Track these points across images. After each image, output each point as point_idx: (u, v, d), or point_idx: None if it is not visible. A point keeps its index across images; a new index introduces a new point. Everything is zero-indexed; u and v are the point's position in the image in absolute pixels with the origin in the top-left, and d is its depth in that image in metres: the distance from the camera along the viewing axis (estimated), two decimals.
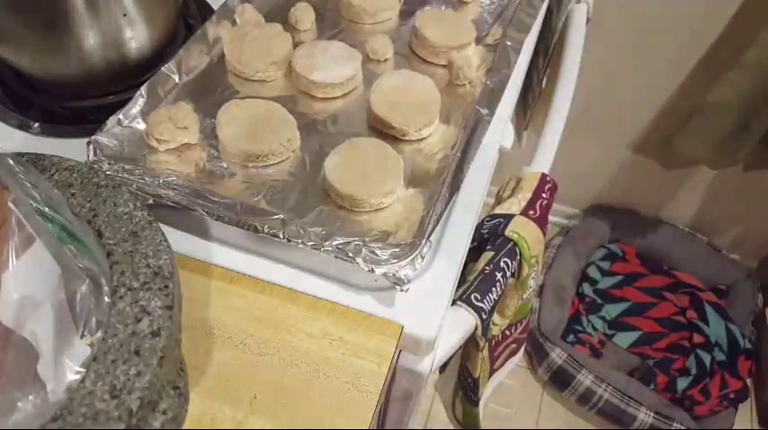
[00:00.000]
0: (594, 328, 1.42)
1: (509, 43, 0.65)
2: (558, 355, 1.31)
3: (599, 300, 1.46)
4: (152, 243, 0.38)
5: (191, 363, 0.44)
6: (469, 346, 0.64)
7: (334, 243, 0.47)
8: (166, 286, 0.36)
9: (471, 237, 0.55)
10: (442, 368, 0.75)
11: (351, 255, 0.47)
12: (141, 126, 0.55)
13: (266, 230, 0.48)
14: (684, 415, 1.27)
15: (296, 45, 0.63)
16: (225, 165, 0.54)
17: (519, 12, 0.70)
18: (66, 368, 0.32)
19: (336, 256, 0.47)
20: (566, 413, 1.38)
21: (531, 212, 0.59)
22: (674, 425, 1.25)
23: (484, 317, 0.52)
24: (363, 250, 0.47)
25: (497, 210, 0.60)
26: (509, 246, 0.56)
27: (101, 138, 0.53)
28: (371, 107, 0.57)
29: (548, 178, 0.62)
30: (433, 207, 0.51)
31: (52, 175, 0.41)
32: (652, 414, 1.25)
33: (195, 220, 0.52)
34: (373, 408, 0.43)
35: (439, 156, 0.56)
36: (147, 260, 0.37)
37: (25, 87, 0.62)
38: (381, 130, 0.57)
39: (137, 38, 0.59)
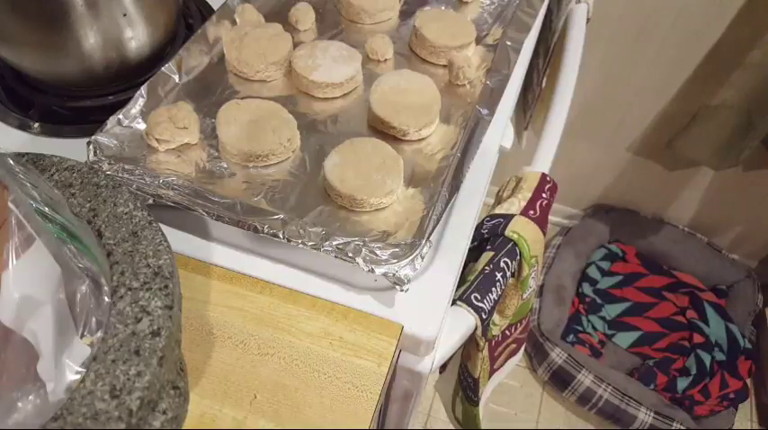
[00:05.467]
0: (594, 328, 1.42)
1: (509, 43, 0.65)
2: (558, 355, 1.31)
3: (599, 300, 1.46)
4: (152, 243, 0.38)
5: (191, 363, 0.44)
6: (469, 346, 0.64)
7: (334, 243, 0.47)
8: (166, 286, 0.36)
9: (471, 237, 0.55)
10: (442, 368, 0.75)
11: (351, 255, 0.47)
12: (141, 126, 0.55)
13: (266, 230, 0.48)
14: (684, 415, 1.27)
15: (296, 45, 0.63)
16: (225, 165, 0.54)
17: (519, 12, 0.70)
18: (66, 368, 0.32)
19: (336, 256, 0.47)
20: (566, 413, 1.38)
21: (531, 212, 0.59)
22: (674, 425, 1.25)
23: (484, 317, 0.52)
24: (363, 250, 0.47)
25: (497, 210, 0.60)
26: (509, 246, 0.56)
27: (101, 138, 0.53)
28: (371, 107, 0.57)
29: (548, 178, 0.62)
30: (433, 207, 0.51)
31: (52, 175, 0.41)
32: (652, 414, 1.25)
33: (195, 220, 0.52)
34: (373, 408, 0.43)
35: (439, 157, 0.56)
36: (147, 260, 0.37)
37: (25, 87, 0.62)
38: (381, 130, 0.57)
39: (137, 38, 0.59)
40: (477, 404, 0.70)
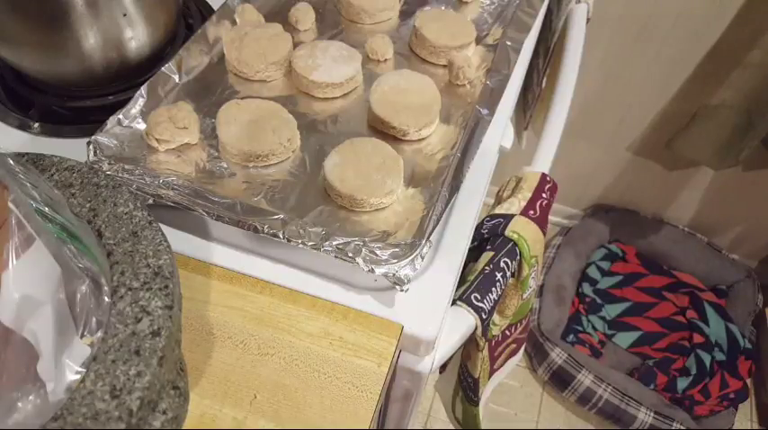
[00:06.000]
0: (594, 328, 1.42)
1: (509, 43, 0.65)
2: (558, 355, 1.31)
3: (599, 300, 1.46)
4: (152, 243, 0.38)
5: (191, 363, 0.44)
6: (469, 346, 0.64)
7: (334, 243, 0.47)
8: (166, 286, 0.36)
9: (471, 237, 0.55)
10: (442, 368, 0.75)
11: (351, 255, 0.47)
12: (141, 126, 0.55)
13: (266, 230, 0.48)
14: (684, 415, 1.27)
15: (296, 45, 0.63)
16: (225, 165, 0.54)
17: (519, 12, 0.70)
18: (66, 368, 0.32)
19: (336, 256, 0.47)
20: (566, 413, 1.38)
21: (531, 212, 0.59)
22: (674, 425, 1.25)
23: (484, 317, 0.52)
24: (363, 250, 0.47)
25: (497, 210, 0.60)
26: (509, 246, 0.56)
27: (101, 138, 0.53)
28: (371, 107, 0.57)
29: (548, 178, 0.62)
30: (433, 207, 0.51)
31: (52, 175, 0.41)
32: (652, 414, 1.25)
33: (195, 220, 0.52)
34: (373, 408, 0.43)
35: (439, 157, 0.56)
36: (147, 260, 0.37)
37: (25, 87, 0.62)
38: (381, 130, 0.57)
39: (137, 38, 0.59)
40: (477, 404, 0.70)
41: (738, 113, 1.15)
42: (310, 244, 0.47)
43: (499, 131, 0.62)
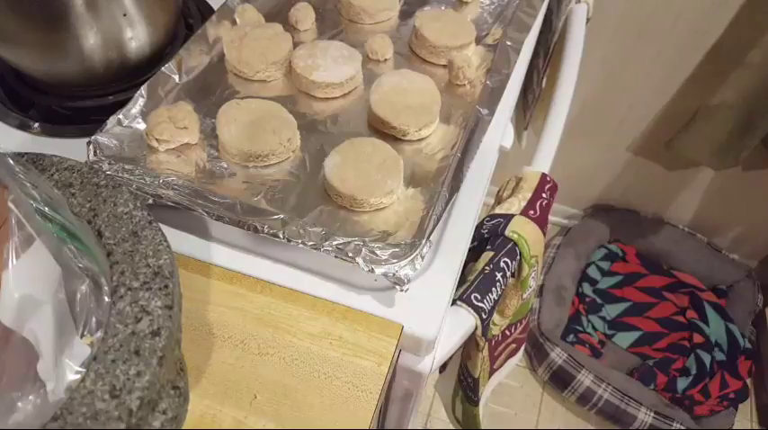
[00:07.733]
0: (594, 328, 1.42)
1: (509, 43, 0.65)
2: (558, 355, 1.31)
3: (599, 300, 1.46)
4: (152, 243, 0.38)
5: (191, 363, 0.44)
6: (469, 346, 0.64)
7: (334, 243, 0.47)
8: (166, 286, 0.36)
9: (471, 237, 0.55)
10: (442, 368, 0.75)
11: (351, 255, 0.47)
12: (141, 126, 0.55)
13: (266, 230, 0.48)
14: (684, 415, 1.27)
15: (296, 45, 0.63)
16: (225, 165, 0.54)
17: (519, 12, 0.70)
18: (67, 368, 0.32)
19: (336, 256, 0.47)
20: (566, 413, 1.38)
21: (531, 212, 0.59)
22: (674, 425, 1.25)
23: (484, 316, 0.52)
24: (363, 250, 0.47)
25: (497, 210, 0.60)
26: (509, 246, 0.56)
27: (101, 138, 0.53)
28: (372, 107, 0.57)
29: (548, 178, 0.62)
30: (433, 207, 0.51)
31: (52, 175, 0.41)
32: (652, 414, 1.25)
33: (195, 220, 0.52)
34: (373, 408, 0.43)
35: (439, 157, 0.56)
36: (147, 260, 0.37)
37: (25, 87, 0.62)
38: (381, 130, 0.57)
39: (137, 38, 0.59)
40: (476, 404, 0.70)
41: (738, 113, 1.15)
42: (310, 244, 0.47)
43: (499, 131, 0.62)
